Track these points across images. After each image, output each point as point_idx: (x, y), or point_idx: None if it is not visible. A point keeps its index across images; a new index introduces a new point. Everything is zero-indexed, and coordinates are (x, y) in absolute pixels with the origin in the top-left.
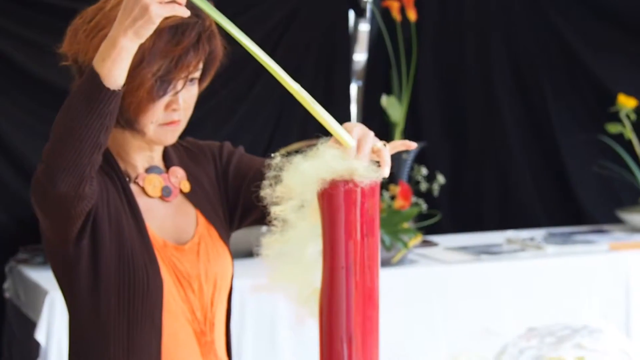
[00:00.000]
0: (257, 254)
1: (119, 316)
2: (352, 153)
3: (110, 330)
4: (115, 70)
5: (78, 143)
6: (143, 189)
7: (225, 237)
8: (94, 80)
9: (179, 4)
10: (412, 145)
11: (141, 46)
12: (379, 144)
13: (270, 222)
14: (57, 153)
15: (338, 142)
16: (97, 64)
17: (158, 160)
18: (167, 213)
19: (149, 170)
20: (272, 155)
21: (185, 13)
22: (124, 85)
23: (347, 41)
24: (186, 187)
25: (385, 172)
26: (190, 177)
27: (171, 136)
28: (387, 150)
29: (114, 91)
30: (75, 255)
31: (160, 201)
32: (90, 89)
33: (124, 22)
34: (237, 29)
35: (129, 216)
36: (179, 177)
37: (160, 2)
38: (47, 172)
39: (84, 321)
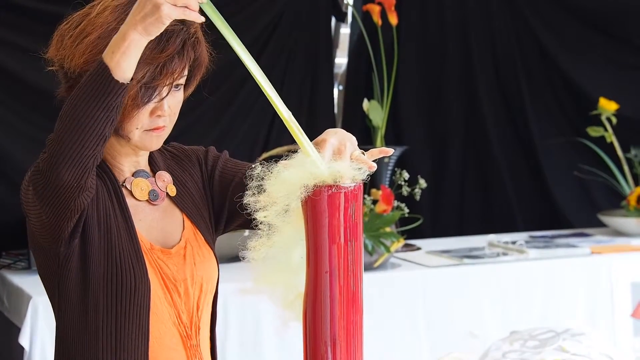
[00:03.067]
0: (242, 258)
1: (107, 316)
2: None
3: (99, 331)
4: (124, 63)
5: (84, 134)
6: (131, 193)
7: (210, 241)
8: (103, 72)
9: (192, 9)
10: (389, 152)
11: None
12: (357, 151)
13: (255, 226)
14: (62, 143)
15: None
16: (106, 56)
17: (144, 165)
18: (155, 216)
19: (135, 174)
20: (253, 165)
21: (199, 19)
22: None
23: (330, 46)
24: (173, 191)
25: (370, 169)
26: (176, 181)
27: (156, 142)
28: (365, 157)
29: (122, 84)
30: (66, 254)
31: (147, 205)
32: (98, 81)
33: (135, 16)
34: (242, 45)
35: (118, 217)
36: (165, 181)
37: (173, 5)
38: (50, 162)
39: (72, 322)
